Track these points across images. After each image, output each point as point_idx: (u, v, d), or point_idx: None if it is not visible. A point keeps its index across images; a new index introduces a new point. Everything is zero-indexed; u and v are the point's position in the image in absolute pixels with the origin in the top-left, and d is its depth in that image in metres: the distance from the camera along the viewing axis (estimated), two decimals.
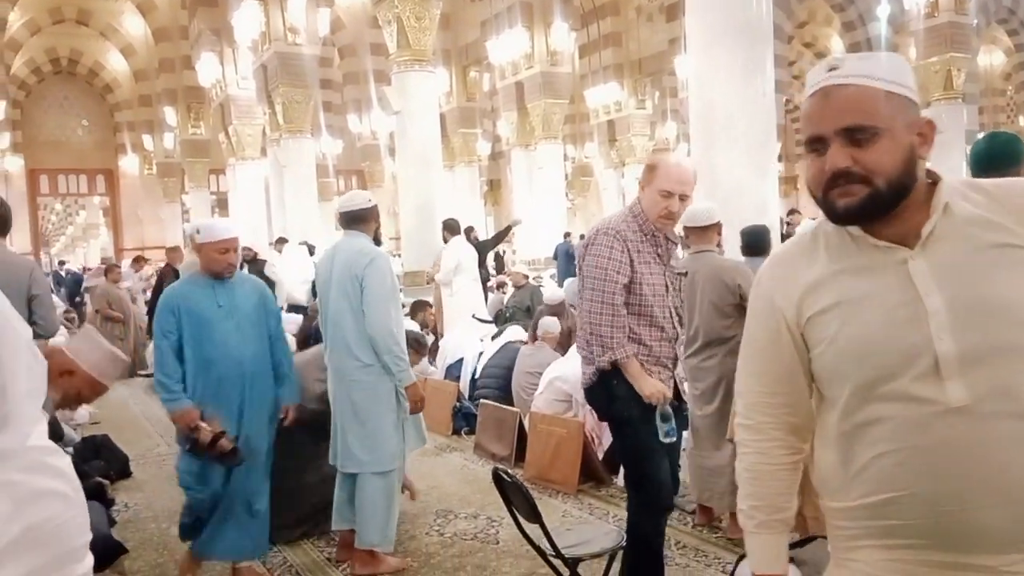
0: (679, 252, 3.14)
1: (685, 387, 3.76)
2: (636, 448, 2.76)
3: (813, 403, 1.27)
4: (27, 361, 1.24)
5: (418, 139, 10.78)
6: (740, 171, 5.46)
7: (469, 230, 10.56)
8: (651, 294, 2.72)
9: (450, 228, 8.72)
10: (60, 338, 8.08)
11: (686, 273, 2.89)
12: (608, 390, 2.72)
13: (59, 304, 11.21)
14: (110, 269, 10.80)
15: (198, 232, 3.27)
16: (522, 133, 15.93)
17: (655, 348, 2.74)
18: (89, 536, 1.38)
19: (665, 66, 17.62)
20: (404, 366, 3.42)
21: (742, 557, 2.47)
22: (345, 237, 3.58)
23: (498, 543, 3.79)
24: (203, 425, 3.13)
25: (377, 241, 3.78)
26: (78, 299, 15.12)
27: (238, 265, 3.40)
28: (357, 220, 3.54)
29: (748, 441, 1.31)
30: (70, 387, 2.74)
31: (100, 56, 25.05)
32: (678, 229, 3.08)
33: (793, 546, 2.35)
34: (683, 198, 2.72)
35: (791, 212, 11.27)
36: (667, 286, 2.78)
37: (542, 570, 3.18)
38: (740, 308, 3.58)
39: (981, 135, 2.95)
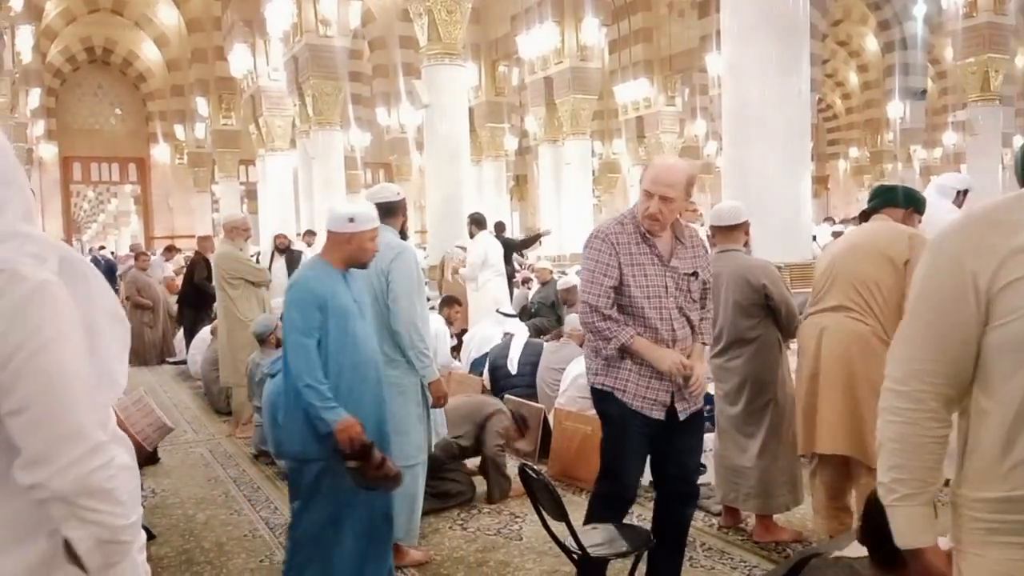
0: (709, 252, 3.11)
1: (712, 388, 3.74)
2: (613, 443, 2.82)
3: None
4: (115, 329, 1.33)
5: (446, 133, 10.78)
6: (772, 169, 5.40)
7: (500, 226, 10.56)
8: (642, 296, 2.69)
9: (477, 222, 8.71)
10: None
11: (696, 274, 2.81)
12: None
13: None
14: (139, 256, 10.92)
15: (351, 220, 2.89)
16: (550, 128, 15.89)
17: None
18: (141, 511, 1.41)
19: (696, 63, 17.46)
20: (428, 361, 3.42)
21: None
22: None
23: (521, 539, 3.79)
24: (370, 443, 2.71)
25: (403, 235, 3.71)
26: (116, 287, 15.32)
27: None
28: (385, 213, 3.52)
29: (900, 410, 1.26)
30: None
31: (134, 46, 25.37)
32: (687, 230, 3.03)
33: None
34: (665, 200, 2.64)
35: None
36: (667, 287, 2.72)
37: (566, 567, 3.18)
38: (766, 308, 3.54)
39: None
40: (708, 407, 5.06)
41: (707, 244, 2.96)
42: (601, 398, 2.81)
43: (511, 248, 9.97)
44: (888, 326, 3.02)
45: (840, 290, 3.18)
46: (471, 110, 16.19)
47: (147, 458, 5.30)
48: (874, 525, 1.62)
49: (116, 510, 1.17)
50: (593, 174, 19.98)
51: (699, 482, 4.23)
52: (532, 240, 11.36)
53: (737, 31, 5.62)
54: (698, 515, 3.98)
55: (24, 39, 14.54)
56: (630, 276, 2.69)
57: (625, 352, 2.70)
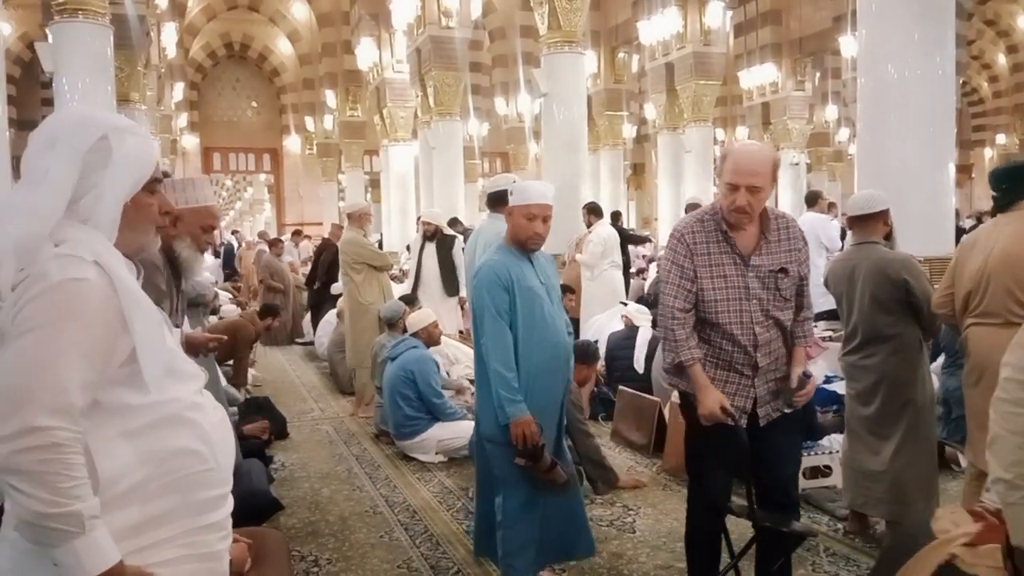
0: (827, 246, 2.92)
1: (842, 387, 3.56)
2: (692, 446, 2.70)
3: None
4: (152, 329, 1.37)
5: (564, 121, 10.73)
6: (912, 157, 5.06)
7: (615, 215, 10.47)
8: (719, 299, 2.53)
9: (594, 211, 8.65)
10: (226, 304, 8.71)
11: (784, 270, 2.57)
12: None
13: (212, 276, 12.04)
14: (274, 243, 11.48)
15: (511, 194, 2.93)
16: (670, 115, 15.54)
17: (724, 352, 2.57)
18: (228, 487, 1.49)
19: (828, 45, 16.63)
20: None
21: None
22: (489, 219, 3.61)
23: (635, 532, 3.75)
24: (542, 444, 2.71)
25: None
26: (229, 271, 16.15)
27: (542, 243, 3.00)
28: (498, 201, 3.56)
29: None
30: None
31: (269, 41, 26.67)
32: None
33: None
34: (752, 190, 2.43)
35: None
36: (749, 288, 2.54)
37: (679, 563, 3.13)
38: (906, 305, 3.34)
39: None
40: (835, 406, 4.86)
41: (804, 235, 2.69)
42: (682, 398, 2.72)
43: (628, 239, 9.87)
44: None
45: (999, 301, 2.93)
46: (589, 98, 16.06)
47: (278, 433, 5.58)
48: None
49: (39, 494, 1.19)
50: (714, 162, 19.42)
51: (824, 485, 4.12)
52: (639, 240, 11.44)
53: (875, 10, 5.28)
54: (822, 519, 3.82)
55: (169, 35, 15.48)
56: (707, 278, 2.54)
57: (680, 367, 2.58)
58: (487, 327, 2.81)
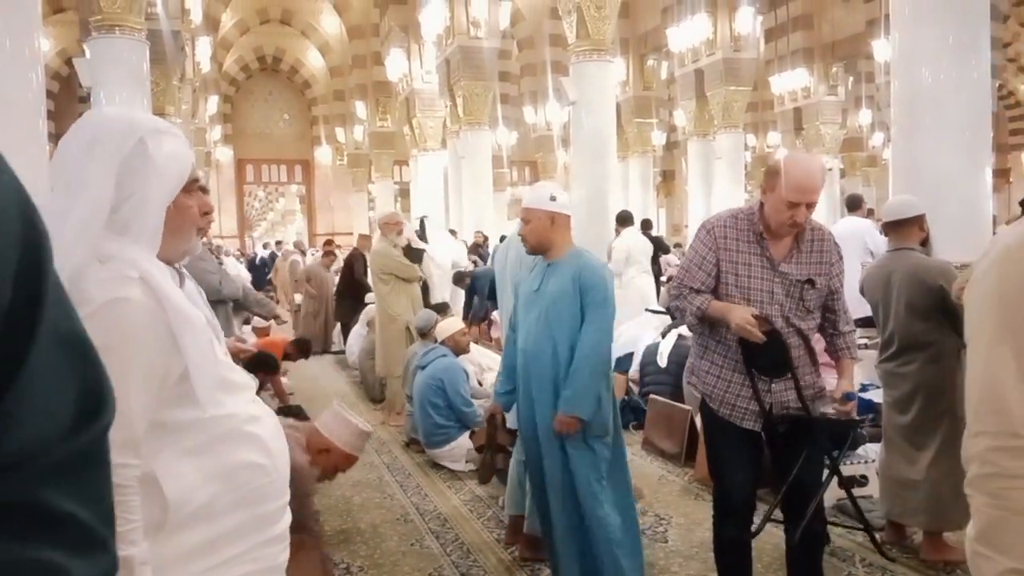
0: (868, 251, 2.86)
1: (879, 395, 3.50)
2: (710, 448, 2.69)
3: None
4: (203, 344, 1.32)
5: (593, 129, 10.73)
6: (948, 161, 4.98)
7: (646, 224, 10.44)
8: (738, 298, 2.53)
9: (622, 220, 8.64)
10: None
11: (811, 281, 2.54)
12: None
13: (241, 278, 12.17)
14: (327, 253, 11.61)
15: (553, 199, 2.98)
16: (700, 122, 15.46)
17: (740, 354, 2.55)
18: (286, 498, 1.47)
19: (861, 49, 16.43)
20: None
21: None
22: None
23: (667, 542, 3.72)
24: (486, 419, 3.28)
25: None
26: (271, 283, 16.40)
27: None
28: None
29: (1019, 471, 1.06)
30: (328, 463, 3.00)
31: (300, 54, 27.07)
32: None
33: None
34: (810, 206, 2.49)
35: None
36: (774, 293, 2.52)
37: (711, 574, 3.09)
38: (943, 312, 3.27)
39: None
40: (871, 415, 4.77)
41: (839, 250, 2.67)
42: (700, 399, 2.71)
43: (659, 247, 9.83)
44: None
45: None
46: (618, 105, 16.05)
47: None
48: None
49: None
50: (746, 168, 19.28)
51: (860, 495, 4.04)
52: (662, 248, 11.46)
53: (909, 13, 5.22)
54: (858, 529, 3.75)
55: (203, 50, 15.78)
56: (731, 274, 2.54)
57: (704, 322, 2.57)
58: (609, 315, 2.93)
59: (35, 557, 0.51)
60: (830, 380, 2.74)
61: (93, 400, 0.57)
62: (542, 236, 2.93)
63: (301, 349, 7.23)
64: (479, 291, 9.48)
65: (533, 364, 2.89)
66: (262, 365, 5.16)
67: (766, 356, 2.50)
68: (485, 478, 3.70)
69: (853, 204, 7.71)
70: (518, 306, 3.05)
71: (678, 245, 13.94)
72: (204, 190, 1.50)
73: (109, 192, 1.27)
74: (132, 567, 1.18)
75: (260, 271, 17.87)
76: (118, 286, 1.23)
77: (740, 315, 2.43)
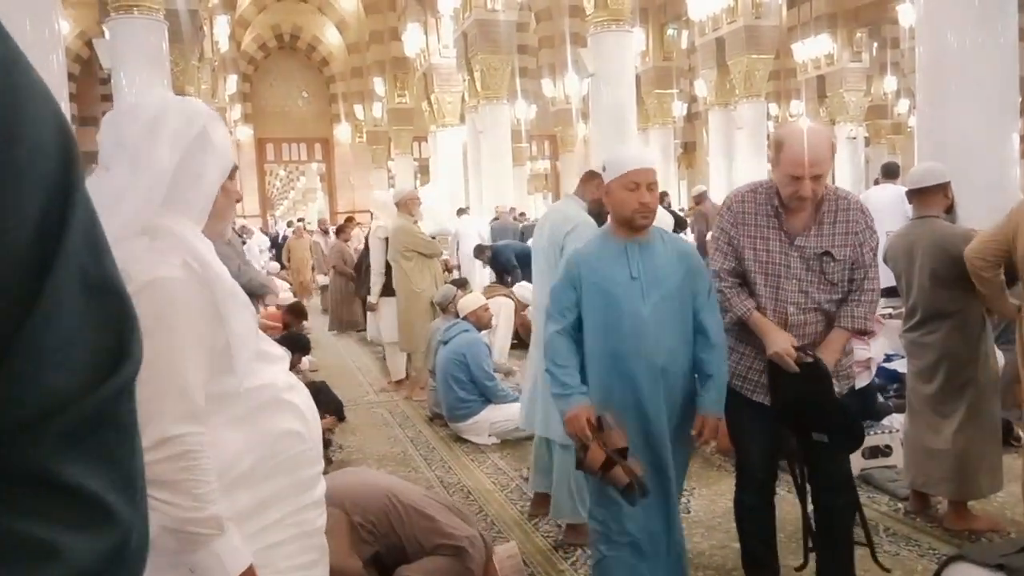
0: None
1: (903, 365, 3.47)
2: (728, 421, 2.62)
3: None
4: (246, 318, 1.37)
5: (612, 101, 10.65)
6: (973, 128, 4.90)
7: (663, 195, 10.37)
8: (755, 271, 2.52)
9: None
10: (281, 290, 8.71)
11: (829, 254, 2.46)
12: None
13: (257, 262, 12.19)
14: (342, 229, 11.57)
15: (604, 169, 2.53)
16: (721, 92, 15.29)
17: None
18: (321, 465, 1.52)
19: (886, 14, 16.11)
20: None
21: (951, 559, 2.25)
22: (563, 200, 3.58)
23: (689, 512, 3.74)
24: (592, 442, 2.30)
25: (593, 212, 3.39)
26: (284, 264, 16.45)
27: (654, 216, 2.48)
28: (584, 180, 3.51)
29: None
30: None
31: (318, 31, 27.00)
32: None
33: (1007, 554, 2.11)
34: (816, 179, 2.40)
35: None
36: (790, 266, 2.49)
37: (734, 543, 3.11)
38: (968, 280, 3.23)
39: None
40: (895, 385, 4.75)
41: (868, 221, 2.54)
42: None
43: (677, 221, 9.77)
44: None
45: None
46: (637, 77, 15.89)
47: (337, 416, 5.64)
48: None
49: (180, 502, 1.21)
50: (768, 138, 19.04)
51: (885, 464, 4.04)
52: (681, 224, 11.30)
53: None
54: (882, 499, 3.76)
55: (221, 29, 15.80)
56: (749, 249, 2.52)
57: (741, 325, 2.56)
58: (543, 326, 2.53)
59: (20, 531, 0.46)
60: (860, 351, 2.72)
61: (116, 353, 0.52)
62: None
63: (297, 314, 7.42)
64: (502, 264, 9.50)
65: (668, 365, 2.40)
66: (294, 345, 5.23)
67: (792, 387, 2.47)
68: (641, 492, 2.28)
69: (890, 172, 7.54)
70: (584, 303, 2.46)
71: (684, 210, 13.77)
72: (237, 167, 1.55)
73: (171, 169, 1.33)
74: (221, 523, 1.26)
75: (282, 249, 17.98)
76: (159, 265, 1.28)
77: (782, 344, 2.44)
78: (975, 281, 3.09)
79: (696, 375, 2.50)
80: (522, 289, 6.75)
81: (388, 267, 6.63)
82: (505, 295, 6.50)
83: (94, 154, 1.38)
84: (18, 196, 0.46)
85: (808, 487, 2.73)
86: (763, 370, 2.56)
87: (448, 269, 9.00)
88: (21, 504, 0.47)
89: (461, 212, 12.73)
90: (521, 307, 6.72)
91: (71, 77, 16.53)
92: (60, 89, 5.65)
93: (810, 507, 2.73)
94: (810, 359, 2.44)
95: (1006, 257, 2.97)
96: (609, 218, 2.59)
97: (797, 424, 2.57)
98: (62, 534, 0.47)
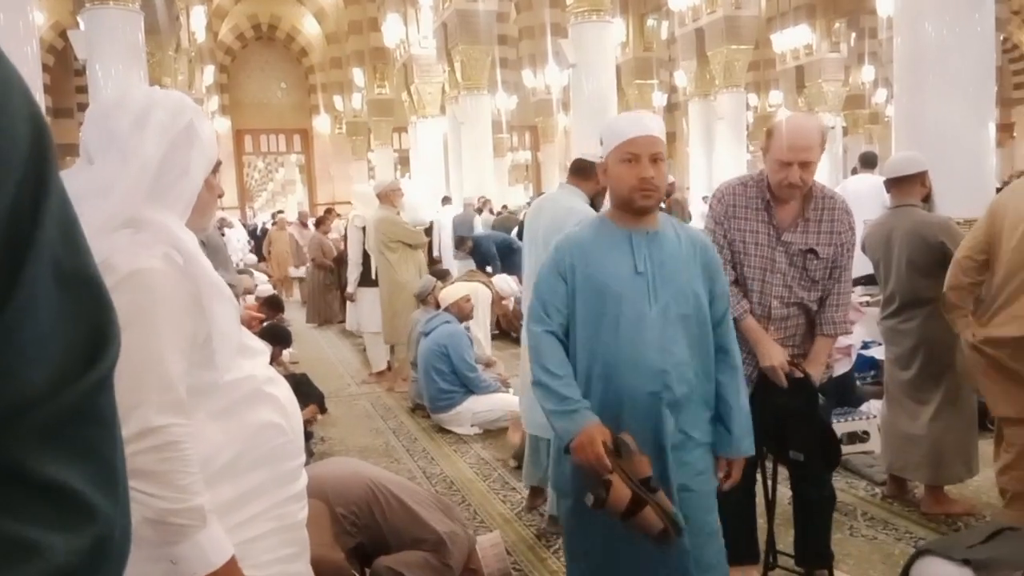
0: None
1: (880, 352, 3.51)
2: None
3: None
4: (228, 311, 1.37)
5: (593, 92, 10.64)
6: (952, 116, 4.94)
7: None
8: (742, 264, 2.55)
9: None
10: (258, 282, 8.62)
11: (814, 252, 2.49)
12: None
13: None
14: (321, 221, 11.50)
15: (600, 143, 2.06)
16: (701, 82, 15.34)
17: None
18: (303, 458, 1.52)
19: (864, 4, 16.23)
20: None
21: (919, 553, 2.24)
22: (558, 190, 3.45)
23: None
24: (614, 474, 1.77)
25: (595, 206, 3.31)
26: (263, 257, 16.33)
27: (660, 195, 2.00)
28: (578, 172, 3.35)
29: None
30: None
31: (296, 21, 26.73)
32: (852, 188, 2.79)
33: (973, 545, 2.11)
34: (805, 165, 2.41)
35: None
36: (776, 261, 2.52)
37: None
38: (943, 267, 3.27)
39: None
40: (872, 372, 4.81)
41: (851, 221, 2.58)
42: None
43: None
44: None
45: None
46: (618, 67, 15.89)
47: (320, 408, 5.61)
48: None
49: (163, 493, 1.20)
50: (747, 128, 19.14)
51: (863, 450, 4.09)
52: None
53: None
54: (860, 484, 3.80)
55: (198, 19, 15.58)
56: (739, 242, 2.55)
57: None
58: (526, 326, 2.10)
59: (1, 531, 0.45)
60: (840, 339, 2.74)
61: (92, 346, 0.51)
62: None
63: (273, 306, 7.31)
64: (483, 254, 9.48)
65: (677, 384, 1.94)
66: (275, 337, 5.19)
67: (779, 400, 2.47)
68: (677, 532, 1.82)
69: (868, 162, 7.57)
70: (577, 299, 2.00)
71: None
72: (220, 162, 1.55)
73: (157, 162, 1.33)
74: (203, 514, 1.25)
75: (261, 241, 17.85)
76: (140, 257, 1.27)
77: (777, 359, 2.46)
78: (944, 310, 3.06)
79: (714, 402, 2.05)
80: (501, 281, 6.73)
81: (366, 257, 6.60)
82: (484, 283, 6.46)
83: (70, 146, 1.38)
84: None
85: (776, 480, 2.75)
86: (749, 374, 2.49)
87: (432, 261, 8.97)
88: (1, 503, 0.46)
89: (446, 201, 12.70)
90: (497, 297, 6.70)
91: (45, 68, 16.25)
92: (34, 80, 5.55)
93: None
94: (800, 374, 2.46)
95: (983, 273, 2.88)
96: (607, 201, 2.18)
97: (776, 441, 2.55)
98: (42, 532, 0.46)
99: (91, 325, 0.51)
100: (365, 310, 6.81)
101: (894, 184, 3.46)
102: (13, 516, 0.46)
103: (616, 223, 2.03)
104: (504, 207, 13.70)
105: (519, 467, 4.18)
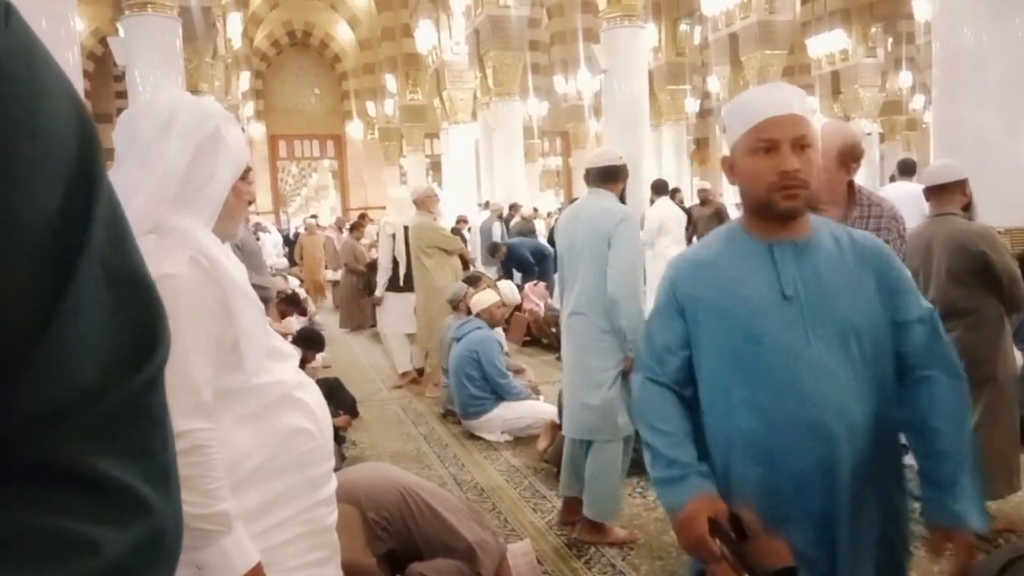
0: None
1: None
2: None
3: None
4: (255, 315, 1.38)
5: (625, 97, 10.62)
6: (990, 123, 4.86)
7: (674, 191, 10.35)
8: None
9: (656, 188, 8.57)
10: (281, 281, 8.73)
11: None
12: None
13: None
14: (355, 227, 11.59)
15: (725, 130, 1.54)
16: (734, 88, 15.23)
17: None
18: (332, 463, 1.53)
19: (901, 9, 15.98)
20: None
21: None
22: (590, 195, 3.43)
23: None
24: (721, 562, 1.33)
25: (623, 201, 3.43)
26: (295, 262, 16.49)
27: (805, 192, 1.44)
28: (606, 177, 3.36)
29: None
30: None
31: (330, 27, 27.05)
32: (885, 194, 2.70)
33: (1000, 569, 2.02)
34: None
35: None
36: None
37: None
38: (985, 277, 3.21)
39: None
40: None
41: (900, 229, 2.37)
42: None
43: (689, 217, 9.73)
44: None
45: None
46: (650, 73, 15.84)
47: (349, 413, 5.65)
48: None
49: (188, 498, 1.18)
50: None
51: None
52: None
53: None
54: None
55: (234, 26, 15.84)
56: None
57: None
58: (633, 382, 1.63)
59: (50, 527, 0.45)
60: None
61: (142, 345, 0.52)
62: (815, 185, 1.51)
63: (291, 303, 7.26)
64: (519, 261, 9.47)
65: (853, 441, 1.41)
66: (309, 341, 5.23)
67: None
68: None
69: (907, 169, 7.44)
70: (702, 337, 1.51)
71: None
72: (251, 168, 1.55)
73: (183, 168, 1.33)
74: (229, 520, 1.25)
75: (294, 245, 18.03)
76: (166, 262, 1.28)
77: None
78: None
79: (914, 455, 1.57)
80: (506, 287, 6.62)
81: (395, 262, 6.64)
82: (489, 286, 6.39)
83: (109, 151, 1.39)
84: (38, 191, 0.45)
85: None
86: None
87: (467, 265, 9.00)
88: (56, 501, 0.46)
89: (487, 207, 12.66)
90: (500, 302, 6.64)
91: (85, 74, 16.62)
92: (75, 86, 5.70)
93: None
94: None
95: None
96: (740, 206, 1.68)
97: None
98: (98, 528, 0.47)
99: (141, 325, 0.52)
100: (391, 314, 6.86)
101: (934, 192, 3.40)
102: (68, 513, 0.46)
103: (752, 233, 1.50)
104: (535, 210, 13.65)
105: (546, 463, 4.16)
